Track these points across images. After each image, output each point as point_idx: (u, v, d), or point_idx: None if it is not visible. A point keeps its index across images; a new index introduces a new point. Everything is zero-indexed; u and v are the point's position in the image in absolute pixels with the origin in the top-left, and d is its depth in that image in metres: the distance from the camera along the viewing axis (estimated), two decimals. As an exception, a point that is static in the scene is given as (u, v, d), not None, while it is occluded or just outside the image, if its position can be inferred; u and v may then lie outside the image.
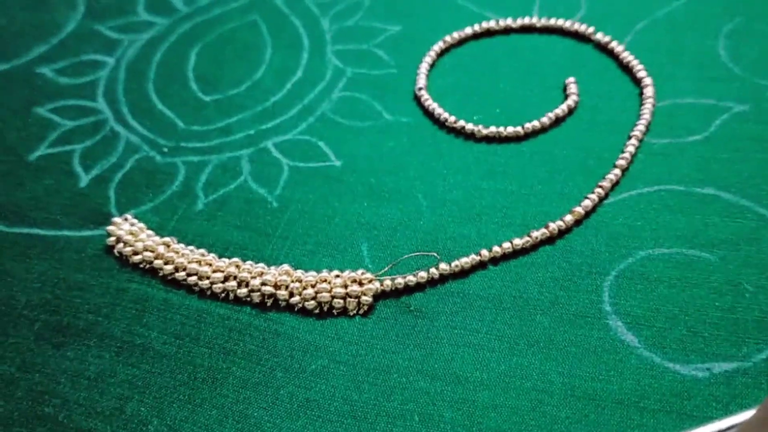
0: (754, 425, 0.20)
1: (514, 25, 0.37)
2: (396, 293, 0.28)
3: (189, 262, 0.28)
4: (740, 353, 0.25)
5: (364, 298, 0.27)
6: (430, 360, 0.26)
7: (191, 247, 0.29)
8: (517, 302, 0.27)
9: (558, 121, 0.32)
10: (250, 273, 0.28)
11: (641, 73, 0.33)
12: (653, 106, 0.32)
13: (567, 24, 0.36)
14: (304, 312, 0.27)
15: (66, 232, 0.30)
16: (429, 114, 0.33)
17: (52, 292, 0.29)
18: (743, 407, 0.24)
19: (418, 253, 0.28)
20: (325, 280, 0.27)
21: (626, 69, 0.34)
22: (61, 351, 0.27)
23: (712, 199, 0.29)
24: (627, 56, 0.34)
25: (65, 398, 0.26)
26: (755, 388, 0.24)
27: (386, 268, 0.28)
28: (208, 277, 0.28)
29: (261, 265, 0.28)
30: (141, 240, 0.29)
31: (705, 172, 0.30)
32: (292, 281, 0.27)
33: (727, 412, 0.24)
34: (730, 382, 0.24)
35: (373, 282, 0.27)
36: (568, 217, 0.29)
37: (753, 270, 0.27)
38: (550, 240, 0.28)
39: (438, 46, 0.36)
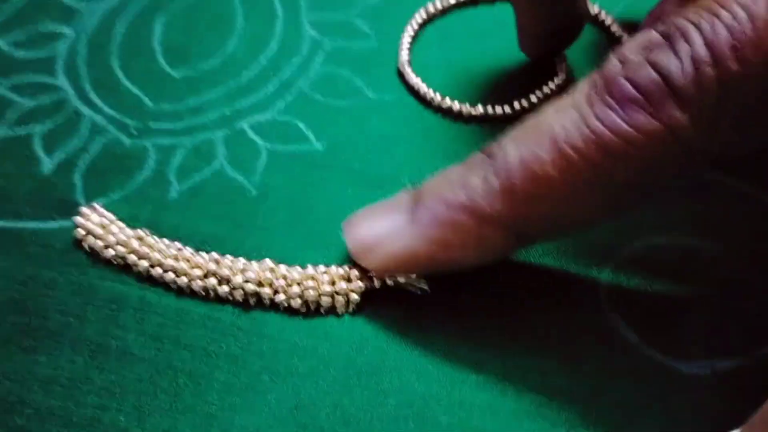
0: (760, 423, 0.20)
1: (499, -7, 0.35)
2: (387, 290, 0.26)
3: (165, 258, 0.27)
4: (743, 349, 0.24)
5: (353, 295, 0.26)
6: (423, 361, 0.25)
7: (166, 241, 0.27)
8: (513, 299, 0.26)
9: (548, 99, 0.31)
10: (231, 269, 0.26)
11: (633, 47, 0.32)
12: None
13: (555, -8, 0.35)
14: (290, 311, 0.26)
15: (31, 224, 0.29)
16: (414, 92, 0.32)
17: (19, 291, 0.27)
18: (747, 405, 0.23)
19: None
20: (312, 277, 0.26)
21: (618, 43, 0.33)
22: (31, 356, 0.25)
23: (714, 185, 0.28)
24: (618, 30, 0.33)
25: (38, 408, 0.24)
26: (759, 386, 0.24)
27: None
28: (186, 274, 0.26)
29: (242, 259, 0.27)
30: (112, 233, 0.27)
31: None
32: (277, 278, 0.26)
33: (731, 410, 0.23)
34: (733, 380, 0.24)
35: (363, 278, 0.26)
36: (563, 205, 0.27)
37: (756, 262, 0.26)
38: (544, 230, 0.27)
39: (420, 15, 0.34)
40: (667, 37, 0.20)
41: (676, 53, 0.20)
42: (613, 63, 0.21)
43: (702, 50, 0.19)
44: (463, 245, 0.23)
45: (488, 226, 0.22)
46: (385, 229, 0.24)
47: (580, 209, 0.22)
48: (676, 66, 0.20)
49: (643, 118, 0.20)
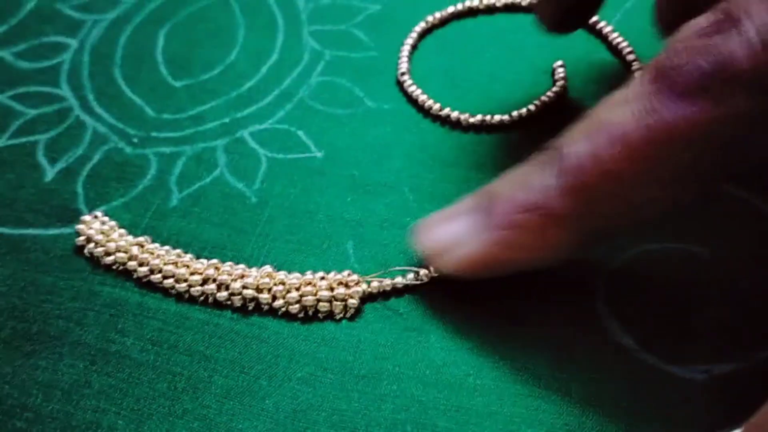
0: (757, 427, 0.20)
1: (498, 4, 0.35)
2: (384, 295, 0.26)
3: (165, 264, 0.27)
4: (739, 354, 0.24)
5: (350, 301, 0.26)
6: (421, 366, 0.25)
7: (167, 247, 0.28)
8: (510, 304, 0.26)
9: (546, 108, 0.31)
10: (230, 275, 0.26)
11: (631, 56, 0.32)
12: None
13: (553, 3, 0.35)
14: (289, 316, 0.26)
15: (32, 231, 0.29)
16: (412, 101, 0.32)
17: (20, 297, 0.27)
18: (744, 410, 0.23)
19: (403, 268, 0.27)
20: (310, 283, 0.26)
21: (615, 51, 0.33)
22: (31, 360, 0.26)
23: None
24: (616, 37, 0.33)
25: (38, 412, 0.24)
26: (755, 390, 0.24)
27: (375, 275, 0.26)
28: (185, 280, 0.27)
29: (241, 266, 0.27)
30: (113, 240, 0.28)
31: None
32: (275, 284, 0.26)
33: (727, 415, 0.23)
34: (730, 384, 0.24)
35: (360, 284, 0.26)
36: (560, 212, 0.28)
37: (752, 266, 0.26)
38: (542, 236, 0.27)
39: (420, 26, 0.35)
40: (723, 21, 0.19)
41: (733, 37, 0.19)
42: (670, 51, 0.20)
43: (759, 31, 0.19)
44: (534, 245, 0.23)
45: (558, 225, 0.22)
46: (455, 232, 0.24)
47: (645, 203, 0.21)
48: (734, 49, 0.19)
49: (704, 106, 0.19)
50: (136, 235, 0.28)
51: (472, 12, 0.36)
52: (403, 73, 0.33)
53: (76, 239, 0.28)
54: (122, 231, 0.28)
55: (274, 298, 0.26)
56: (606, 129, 0.21)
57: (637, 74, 0.21)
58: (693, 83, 0.20)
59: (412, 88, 0.32)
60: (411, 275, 0.26)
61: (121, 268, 0.27)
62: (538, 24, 0.30)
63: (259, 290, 0.26)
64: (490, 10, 0.36)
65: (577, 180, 0.21)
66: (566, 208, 0.21)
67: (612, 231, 0.23)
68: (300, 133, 0.31)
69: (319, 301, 0.26)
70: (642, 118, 0.20)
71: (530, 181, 0.22)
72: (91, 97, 0.33)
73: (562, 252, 0.23)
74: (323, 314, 0.26)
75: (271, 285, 0.26)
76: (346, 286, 0.26)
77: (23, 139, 0.32)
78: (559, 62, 0.32)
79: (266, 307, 0.26)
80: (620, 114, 0.21)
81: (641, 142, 0.20)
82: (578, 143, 0.22)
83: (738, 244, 0.27)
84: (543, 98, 0.31)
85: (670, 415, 0.23)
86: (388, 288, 0.26)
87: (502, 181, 0.24)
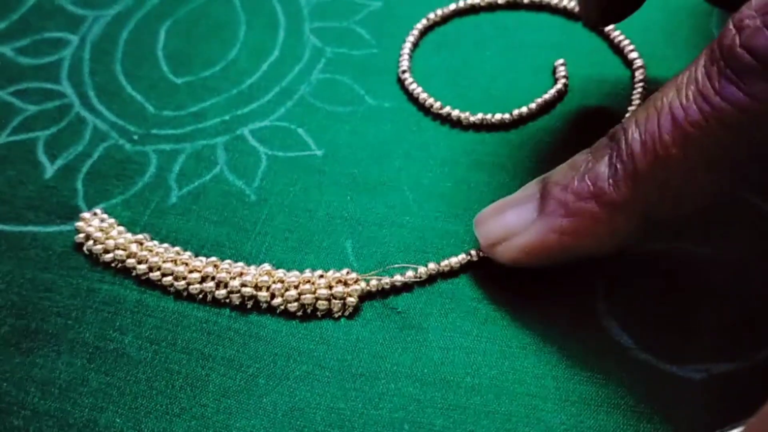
0: (758, 427, 0.20)
1: (500, 1, 0.35)
2: (382, 294, 0.26)
3: (164, 262, 0.27)
4: (738, 353, 0.24)
5: (349, 299, 0.26)
6: (419, 364, 0.25)
7: (166, 245, 0.28)
8: (509, 303, 0.26)
9: (547, 107, 0.31)
10: (229, 273, 0.26)
11: (632, 54, 0.32)
12: (645, 89, 0.31)
13: (555, 0, 0.35)
14: (287, 314, 0.26)
15: (32, 228, 0.29)
16: (413, 99, 0.32)
17: (19, 294, 0.27)
18: (742, 409, 0.23)
19: (402, 265, 0.27)
20: (309, 281, 0.26)
21: (617, 49, 0.33)
22: (29, 358, 0.26)
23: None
24: (618, 36, 0.33)
25: (35, 409, 0.24)
26: (754, 390, 0.23)
27: (373, 273, 0.26)
28: (184, 278, 0.27)
29: (240, 264, 0.27)
30: (112, 237, 0.28)
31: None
32: (274, 282, 0.26)
33: (726, 414, 0.23)
34: (729, 384, 0.24)
35: (359, 282, 0.26)
36: (560, 211, 0.27)
37: (750, 266, 0.26)
38: (541, 235, 0.27)
39: (421, 24, 0.35)
40: None
41: None
42: (729, 30, 0.20)
43: None
44: (593, 234, 0.22)
45: (616, 212, 0.22)
46: (513, 222, 0.24)
47: (703, 187, 0.21)
48: None
49: (759, 89, 0.19)
50: (135, 233, 0.28)
51: (473, 9, 0.35)
52: (404, 71, 0.33)
53: (76, 236, 0.28)
54: (121, 228, 0.28)
55: (273, 296, 0.26)
56: (664, 113, 0.21)
57: (701, 53, 0.21)
58: (749, 63, 0.19)
59: (413, 86, 0.32)
60: (410, 273, 0.26)
61: (119, 265, 0.27)
62: (582, 18, 0.29)
63: (257, 288, 0.26)
64: (492, 7, 0.35)
65: (634, 167, 0.21)
66: (623, 195, 0.21)
67: (669, 219, 0.22)
68: (300, 130, 0.31)
69: (317, 299, 0.26)
70: (699, 101, 0.20)
71: (589, 168, 0.22)
72: (91, 93, 0.33)
73: (627, 238, 0.23)
74: (322, 312, 0.26)
75: (270, 283, 0.26)
76: (345, 284, 0.26)
77: (23, 136, 0.32)
78: (561, 60, 0.32)
79: (265, 306, 0.26)
80: (679, 97, 0.20)
81: (694, 126, 0.20)
82: (636, 128, 0.21)
83: (738, 244, 0.26)
84: (545, 97, 0.31)
85: (668, 415, 0.23)
86: (386, 286, 0.26)
87: (562, 169, 0.24)
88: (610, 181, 0.21)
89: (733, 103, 0.19)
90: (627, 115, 0.30)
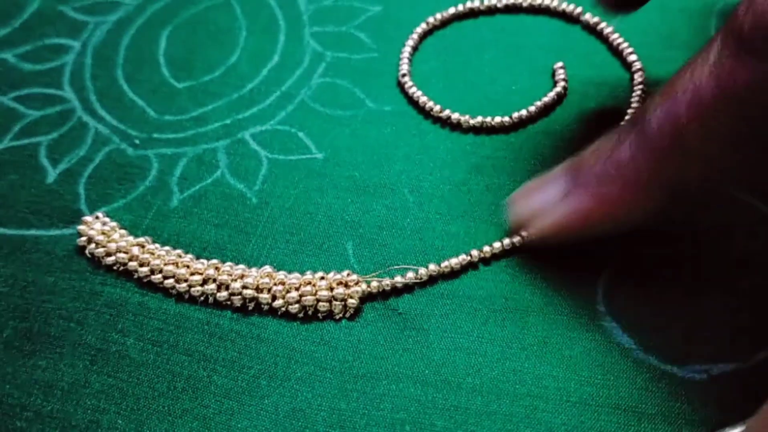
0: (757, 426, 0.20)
1: (499, 5, 0.36)
2: (383, 295, 0.27)
3: (165, 264, 0.27)
4: (739, 354, 0.24)
5: (350, 301, 0.26)
6: (420, 365, 0.25)
7: (167, 248, 0.28)
8: (509, 304, 0.26)
9: (547, 110, 0.31)
10: (230, 275, 0.27)
11: (631, 57, 0.32)
12: (644, 92, 0.31)
13: (554, 3, 0.35)
14: (288, 316, 0.26)
15: (34, 232, 0.29)
16: (413, 102, 0.32)
17: (21, 297, 0.27)
18: (743, 410, 0.23)
19: (402, 266, 0.27)
20: (310, 283, 0.26)
21: (616, 52, 0.33)
22: (32, 360, 0.26)
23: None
24: (617, 38, 0.33)
25: (38, 411, 0.25)
26: (755, 390, 0.24)
27: (374, 275, 0.26)
28: (186, 280, 0.27)
29: (241, 266, 0.27)
30: (114, 240, 0.28)
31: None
32: (275, 284, 0.26)
33: (727, 415, 0.23)
34: (729, 384, 0.24)
35: (360, 284, 0.26)
36: (560, 212, 0.28)
37: (749, 267, 0.26)
38: (541, 237, 0.28)
39: (420, 28, 0.35)
40: None
41: None
42: (741, 10, 0.20)
43: None
44: (616, 213, 0.23)
45: (638, 191, 0.22)
46: (540, 203, 0.25)
47: (720, 161, 0.21)
48: None
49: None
50: (137, 236, 0.28)
51: (472, 13, 0.36)
52: (403, 75, 0.33)
53: (78, 240, 0.28)
54: (123, 232, 0.28)
55: (274, 298, 0.26)
56: (681, 92, 0.21)
57: (719, 31, 0.21)
58: (760, 40, 0.19)
59: (413, 90, 0.32)
60: (410, 275, 0.26)
61: (121, 268, 0.27)
62: (600, 3, 0.29)
63: (259, 290, 0.26)
64: (491, 11, 0.36)
65: (654, 145, 0.22)
66: (645, 173, 0.22)
67: (690, 194, 0.23)
68: (301, 134, 0.31)
69: (318, 300, 0.26)
70: (713, 76, 0.20)
71: (612, 150, 0.23)
72: (93, 98, 0.33)
73: (653, 215, 0.23)
74: (323, 314, 0.26)
75: (271, 285, 0.26)
76: (346, 285, 0.26)
77: (26, 141, 0.32)
78: (560, 63, 0.32)
79: (266, 307, 0.26)
80: (695, 75, 0.21)
81: (712, 101, 0.20)
82: (656, 108, 0.22)
83: (737, 246, 0.26)
84: (544, 100, 0.31)
85: (669, 415, 0.23)
86: (387, 288, 0.26)
87: (588, 151, 0.25)
88: (631, 162, 0.22)
89: (743, 78, 0.20)
90: (626, 117, 0.30)
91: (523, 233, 0.26)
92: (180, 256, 0.27)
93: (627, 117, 0.30)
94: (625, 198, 0.23)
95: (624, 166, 0.22)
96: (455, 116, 0.31)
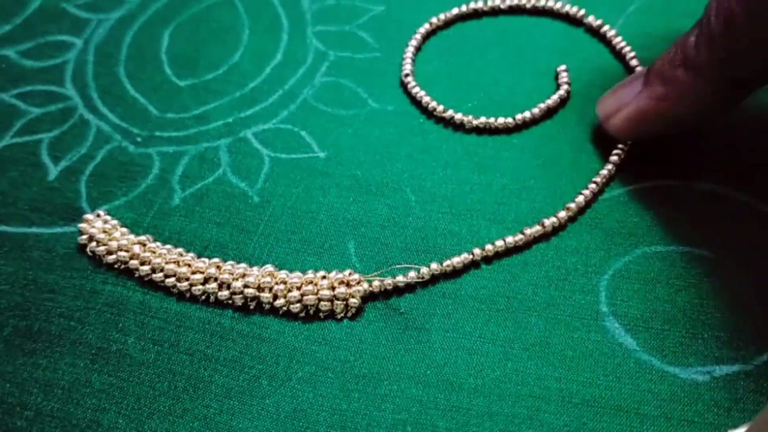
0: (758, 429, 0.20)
1: (502, 6, 0.35)
2: (385, 294, 0.26)
3: (166, 263, 0.27)
4: (741, 355, 0.24)
5: (352, 300, 0.26)
6: (422, 365, 0.25)
7: (168, 246, 0.28)
8: (512, 303, 0.26)
9: (550, 112, 0.31)
10: (232, 274, 0.26)
11: (634, 62, 0.32)
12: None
13: (557, 5, 0.35)
14: (290, 315, 0.26)
15: (35, 229, 0.29)
16: (416, 102, 0.32)
17: (22, 295, 0.27)
18: (745, 412, 0.23)
19: (404, 265, 0.27)
20: (311, 282, 0.26)
21: (618, 55, 0.33)
22: (32, 358, 0.26)
23: (709, 194, 0.28)
24: (619, 42, 0.33)
25: (38, 410, 0.24)
26: (757, 392, 0.23)
27: (376, 274, 0.26)
28: (187, 279, 0.27)
29: (243, 265, 0.27)
30: (115, 239, 0.28)
31: (701, 166, 0.29)
32: (277, 283, 0.26)
33: (729, 417, 0.23)
34: (732, 386, 0.24)
35: (361, 283, 0.26)
36: (562, 214, 0.28)
37: (752, 268, 0.26)
38: (544, 237, 0.27)
39: (424, 28, 0.35)
40: None
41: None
42: None
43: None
44: (682, 97, 0.26)
45: (700, 76, 0.25)
46: (624, 96, 0.28)
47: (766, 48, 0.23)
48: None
49: None
50: (138, 234, 0.28)
51: (476, 14, 0.35)
52: (406, 75, 0.33)
53: (79, 238, 0.28)
54: (124, 230, 0.28)
55: (276, 297, 0.26)
56: None
57: None
58: None
59: (416, 90, 0.32)
60: (412, 274, 0.26)
61: (122, 266, 0.27)
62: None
63: (260, 289, 0.26)
64: (494, 12, 0.36)
65: (710, 32, 0.24)
66: (703, 58, 0.25)
67: (744, 80, 0.25)
68: (303, 133, 0.31)
69: (320, 300, 0.26)
70: None
71: (682, 43, 0.26)
72: (95, 96, 0.33)
73: (706, 103, 0.26)
74: (324, 313, 0.26)
75: (273, 284, 0.26)
76: (348, 285, 0.26)
77: (27, 138, 0.32)
78: (563, 66, 0.32)
79: (267, 307, 0.26)
80: None
81: None
82: (713, 4, 0.24)
83: (741, 247, 0.26)
84: (547, 102, 0.31)
85: (672, 417, 0.23)
86: (389, 287, 0.26)
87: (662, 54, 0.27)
88: (696, 51, 0.25)
89: None
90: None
91: (609, 127, 0.28)
92: (181, 255, 0.27)
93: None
94: (689, 81, 0.25)
95: (689, 57, 0.25)
96: (458, 116, 0.31)
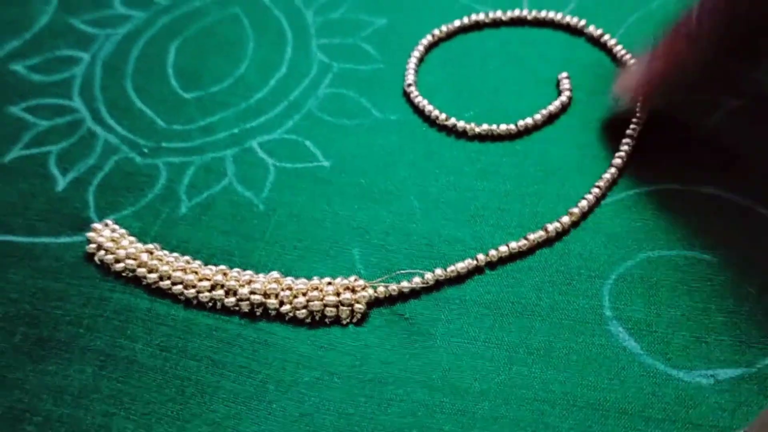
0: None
1: (504, 18, 0.36)
2: (390, 300, 0.27)
3: (174, 270, 0.27)
4: (745, 359, 0.24)
5: (357, 306, 0.26)
6: (427, 370, 0.25)
7: (176, 254, 0.28)
8: (516, 308, 0.26)
9: (551, 118, 0.32)
10: (238, 281, 0.27)
11: (635, 67, 0.33)
12: (647, 101, 0.31)
13: (558, 16, 0.35)
14: (296, 321, 0.26)
15: (44, 239, 0.29)
16: (419, 111, 0.32)
17: (31, 303, 0.27)
18: (749, 414, 0.23)
19: (409, 271, 0.27)
20: (317, 288, 0.26)
21: (620, 63, 0.33)
22: (41, 365, 0.26)
23: (712, 198, 0.28)
24: (620, 50, 0.33)
25: (48, 416, 0.25)
26: (761, 395, 0.24)
27: (380, 280, 0.27)
28: (194, 286, 0.27)
29: (249, 272, 0.27)
30: (123, 247, 0.28)
31: (704, 170, 0.29)
32: (282, 289, 0.26)
33: (733, 419, 0.23)
34: (736, 389, 0.24)
35: (367, 289, 0.26)
36: (565, 219, 0.28)
37: (755, 272, 0.26)
38: (547, 242, 0.28)
39: (426, 39, 0.35)
40: None
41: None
42: None
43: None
44: (685, 62, 0.27)
45: (700, 42, 0.27)
46: (636, 66, 0.30)
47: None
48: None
49: None
50: (145, 243, 0.28)
51: (477, 26, 0.36)
52: (409, 85, 0.33)
53: (87, 247, 0.28)
54: (132, 239, 0.29)
55: (282, 303, 0.26)
56: None
57: None
58: None
59: (419, 99, 0.32)
60: (417, 280, 0.26)
61: (130, 274, 0.28)
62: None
63: (266, 296, 0.26)
64: (496, 23, 0.36)
65: (707, 6, 0.26)
66: (706, 24, 0.26)
67: (740, 48, 0.27)
68: (308, 143, 0.32)
69: (325, 306, 0.26)
70: None
71: (686, 11, 0.27)
72: (102, 108, 0.34)
73: (709, 62, 0.27)
74: (330, 319, 0.26)
75: (279, 290, 0.26)
76: (353, 291, 0.26)
77: (36, 150, 0.32)
78: (564, 74, 0.33)
79: (274, 313, 0.26)
80: None
81: None
82: None
83: (744, 251, 0.27)
84: (549, 108, 0.32)
85: (676, 420, 0.23)
86: (394, 293, 0.26)
87: None
88: (696, 19, 0.26)
89: None
90: (630, 126, 0.30)
91: (623, 96, 0.30)
92: (188, 263, 0.28)
93: (631, 126, 0.30)
94: (691, 48, 0.27)
95: (688, 24, 0.27)
96: (461, 124, 0.31)
